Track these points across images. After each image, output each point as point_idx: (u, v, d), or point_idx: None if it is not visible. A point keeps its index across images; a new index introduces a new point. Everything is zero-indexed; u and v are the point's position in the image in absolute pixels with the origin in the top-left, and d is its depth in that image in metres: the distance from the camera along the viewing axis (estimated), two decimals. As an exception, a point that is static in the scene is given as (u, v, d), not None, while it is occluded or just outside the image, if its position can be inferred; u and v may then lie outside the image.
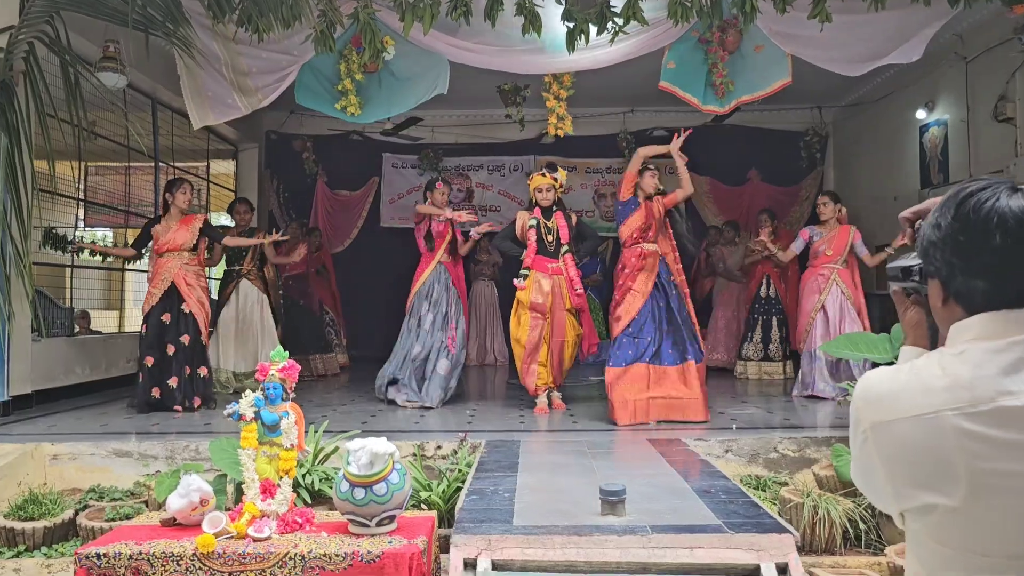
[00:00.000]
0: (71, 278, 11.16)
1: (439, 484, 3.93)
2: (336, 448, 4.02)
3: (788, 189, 10.93)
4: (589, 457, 3.96)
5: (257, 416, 3.16)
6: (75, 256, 9.55)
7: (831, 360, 6.25)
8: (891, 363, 1.17)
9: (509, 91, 8.21)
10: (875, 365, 4.81)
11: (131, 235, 8.12)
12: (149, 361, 5.85)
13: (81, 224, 11.45)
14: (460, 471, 3.99)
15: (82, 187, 11.47)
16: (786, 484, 4.24)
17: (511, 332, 5.90)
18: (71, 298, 11.36)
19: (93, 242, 6.03)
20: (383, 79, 6.28)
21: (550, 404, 5.78)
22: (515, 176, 11.35)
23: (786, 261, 6.72)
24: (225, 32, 5.82)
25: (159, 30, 5.41)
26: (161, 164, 9.38)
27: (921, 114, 8.65)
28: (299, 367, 3.33)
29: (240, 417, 3.15)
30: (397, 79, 6.28)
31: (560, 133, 6.11)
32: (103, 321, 9.68)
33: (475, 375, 9.05)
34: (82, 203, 10.26)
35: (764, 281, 8.26)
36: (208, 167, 10.76)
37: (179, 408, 5.76)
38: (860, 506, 3.76)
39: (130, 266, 9.45)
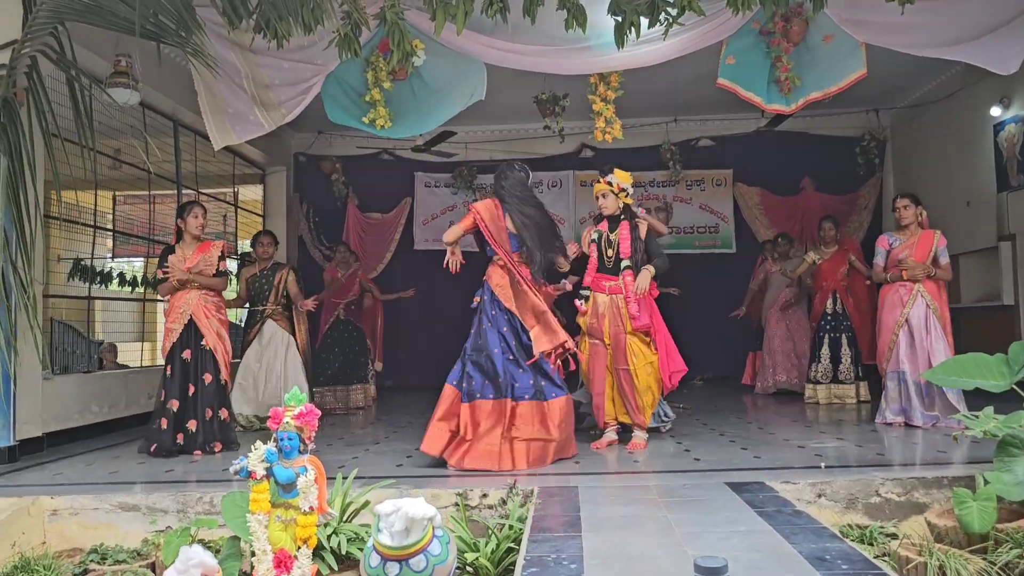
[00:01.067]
0: (94, 310, 10.96)
1: (487, 543, 3.36)
2: (367, 503, 3.47)
3: (845, 198, 10.25)
4: (663, 508, 3.36)
5: (269, 473, 2.63)
6: (104, 286, 9.23)
7: (922, 383, 5.57)
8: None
9: (547, 100, 7.71)
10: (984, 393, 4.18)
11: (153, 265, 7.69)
12: (174, 405, 5.35)
13: (109, 255, 11.20)
14: (511, 527, 3.42)
15: (110, 215, 11.29)
16: (895, 536, 3.59)
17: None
18: (101, 331, 11.11)
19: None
20: (415, 88, 5.79)
21: (623, 442, 5.20)
22: (554, 193, 10.82)
23: (879, 279, 6.02)
24: (242, 40, 5.39)
25: (171, 39, 4.99)
26: (188, 191, 9.04)
27: (996, 111, 7.95)
28: (318, 412, 2.80)
29: (249, 474, 2.63)
30: (430, 87, 5.79)
31: (608, 138, 5.57)
32: (133, 354, 9.31)
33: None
34: (110, 233, 10.05)
35: (831, 296, 7.60)
36: (236, 192, 10.40)
37: (199, 452, 5.26)
38: (995, 564, 3.12)
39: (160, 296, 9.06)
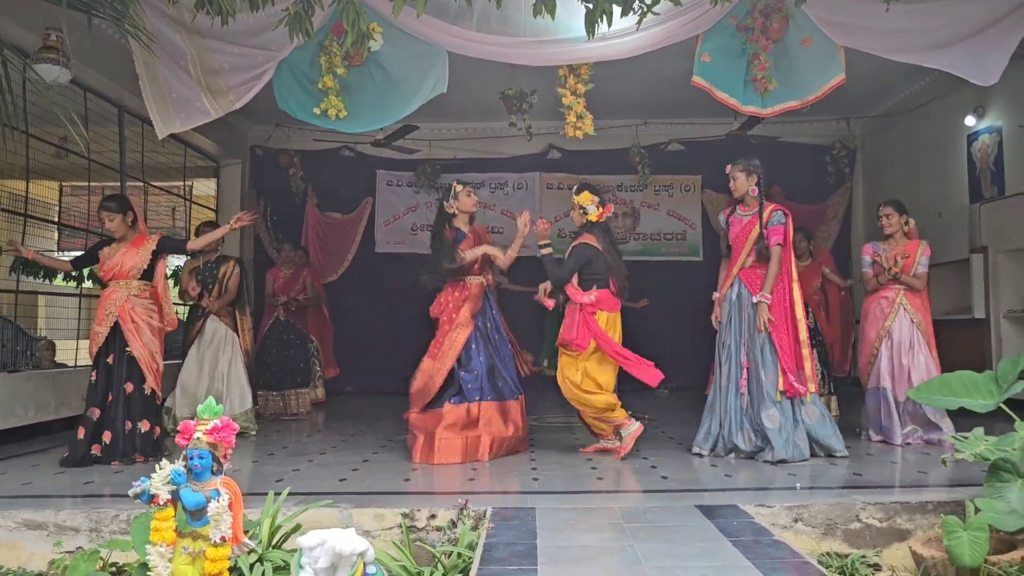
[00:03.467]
0: (37, 306, 10.42)
1: (432, 573, 3.01)
2: (298, 526, 3.10)
3: (815, 207, 10.09)
4: (629, 536, 3.04)
5: (176, 497, 2.26)
6: (48, 281, 8.70)
7: (903, 399, 5.35)
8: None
9: (513, 96, 7.37)
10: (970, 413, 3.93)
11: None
12: (95, 413, 4.92)
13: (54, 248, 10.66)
14: (460, 555, 3.07)
15: (55, 207, 10.75)
16: (878, 567, 3.32)
17: None
18: (44, 327, 10.55)
19: (19, 248, 5.07)
20: (374, 76, 5.43)
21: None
22: (519, 195, 10.52)
23: (872, 287, 5.77)
24: (183, 17, 4.98)
25: (104, 11, 4.57)
26: (136, 183, 8.56)
27: (970, 121, 7.82)
28: (236, 427, 2.43)
29: (151, 499, 2.24)
30: (389, 76, 5.43)
31: (579, 134, 5.25)
32: (72, 352, 8.77)
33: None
34: (55, 225, 9.53)
35: (804, 310, 7.36)
36: (190, 186, 9.93)
37: (116, 463, 4.83)
38: (988, 602, 2.86)
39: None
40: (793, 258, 5.13)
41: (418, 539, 3.50)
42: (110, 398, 4.94)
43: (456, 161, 10.30)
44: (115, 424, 4.94)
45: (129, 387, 4.95)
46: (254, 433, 6.23)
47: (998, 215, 7.47)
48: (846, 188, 10.21)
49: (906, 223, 5.66)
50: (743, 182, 5.06)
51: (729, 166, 5.16)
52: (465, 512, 3.48)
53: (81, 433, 4.86)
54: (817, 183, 10.13)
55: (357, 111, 5.33)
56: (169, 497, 2.30)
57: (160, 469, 2.30)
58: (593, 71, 5.30)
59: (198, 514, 2.30)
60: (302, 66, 5.32)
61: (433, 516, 3.56)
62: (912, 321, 5.51)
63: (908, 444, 5.30)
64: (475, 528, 3.34)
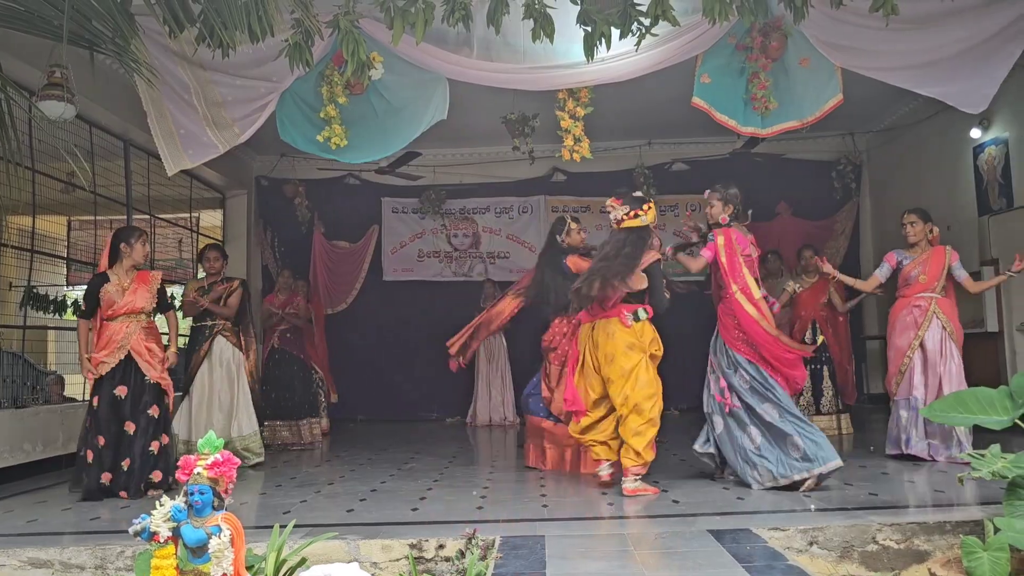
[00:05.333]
0: (47, 341, 10.42)
1: (441, 606, 2.96)
2: (304, 560, 3.05)
3: (822, 223, 10.04)
4: (639, 564, 2.98)
5: (176, 534, 2.23)
6: (59, 315, 8.73)
7: None
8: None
9: (516, 120, 7.39)
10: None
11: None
12: (100, 441, 4.92)
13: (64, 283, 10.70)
14: (468, 587, 3.02)
15: (63, 241, 10.79)
16: (897, 590, 3.25)
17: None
18: (54, 362, 10.55)
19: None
20: (375, 105, 5.47)
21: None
22: (524, 219, 10.51)
23: (870, 289, 5.76)
24: (185, 51, 5.02)
25: (107, 47, 4.60)
26: (142, 215, 8.60)
27: (975, 133, 7.77)
28: (237, 462, 2.40)
29: (151, 536, 2.21)
30: (390, 105, 5.48)
31: (576, 158, 5.25)
32: (88, 387, 8.78)
33: (484, 439, 8.07)
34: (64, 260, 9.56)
35: (811, 326, 7.31)
36: (197, 218, 9.96)
37: (124, 493, 4.82)
38: (1011, 626, 2.78)
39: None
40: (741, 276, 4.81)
41: (426, 570, 3.45)
42: (132, 428, 4.97)
43: (461, 186, 10.32)
44: (132, 449, 4.96)
45: (155, 410, 5.05)
46: (262, 459, 6.19)
47: (1008, 227, 7.41)
48: (853, 203, 10.16)
49: (930, 231, 5.61)
50: (718, 209, 5.00)
51: (708, 191, 5.09)
52: (473, 542, 3.42)
53: (90, 457, 4.88)
54: (823, 199, 10.09)
55: (358, 141, 5.35)
56: (170, 534, 2.26)
57: (160, 506, 2.27)
58: (593, 94, 5.31)
59: (199, 551, 2.26)
60: (305, 96, 5.35)
61: (441, 546, 3.51)
62: (944, 329, 5.44)
63: (929, 458, 5.21)
64: (483, 558, 3.28)
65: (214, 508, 2.33)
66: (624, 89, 5.77)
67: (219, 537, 2.26)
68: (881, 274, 5.75)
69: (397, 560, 3.49)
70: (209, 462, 2.33)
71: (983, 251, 7.68)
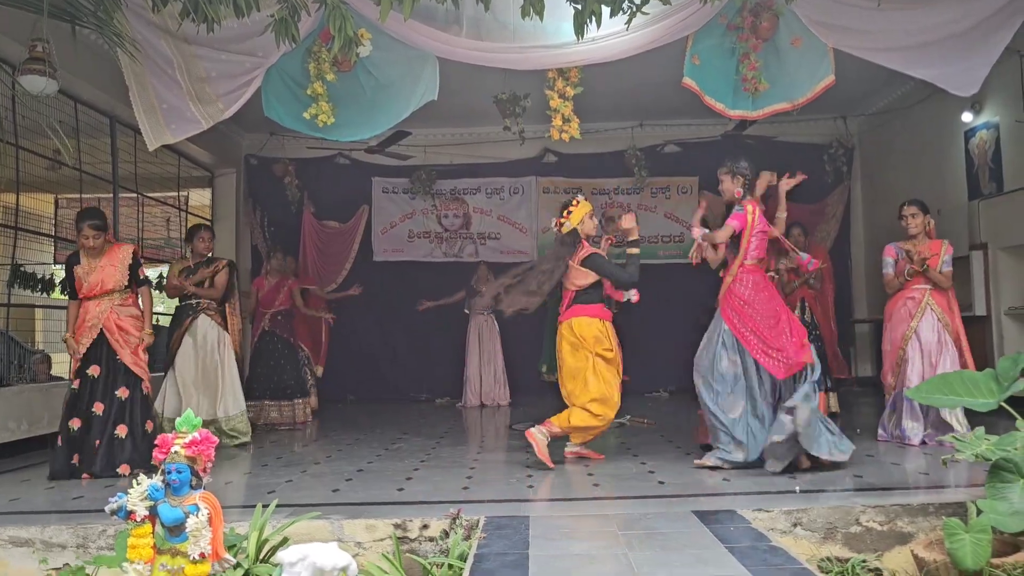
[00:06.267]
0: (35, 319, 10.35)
1: (423, 585, 2.95)
2: (286, 539, 3.04)
3: (813, 207, 10.00)
4: (623, 544, 2.98)
5: (153, 513, 2.20)
6: (46, 294, 8.67)
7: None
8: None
9: (507, 100, 7.32)
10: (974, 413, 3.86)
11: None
12: (76, 423, 4.88)
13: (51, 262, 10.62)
14: (450, 566, 3.01)
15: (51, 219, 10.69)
16: (879, 572, 3.26)
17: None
18: (42, 341, 10.48)
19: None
20: (363, 83, 5.39)
21: None
22: (515, 200, 10.47)
23: (893, 287, 5.68)
24: (168, 25, 4.94)
25: (88, 20, 4.53)
26: (129, 194, 8.52)
27: (967, 117, 7.76)
28: (215, 440, 2.37)
29: (128, 515, 2.19)
30: (378, 83, 5.40)
31: (565, 138, 5.21)
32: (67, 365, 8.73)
33: (475, 419, 8.07)
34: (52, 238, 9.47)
35: (800, 304, 7.29)
36: (186, 196, 9.88)
37: (87, 476, 4.80)
38: (992, 607, 2.79)
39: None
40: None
41: (410, 550, 3.44)
42: (100, 408, 4.89)
43: (451, 167, 10.27)
44: (103, 432, 4.90)
45: (125, 392, 4.94)
46: (248, 439, 6.16)
47: (997, 211, 7.42)
48: (844, 187, 10.15)
49: (928, 223, 5.60)
50: (729, 185, 4.98)
51: (719, 170, 5.07)
52: (457, 522, 3.42)
53: (60, 440, 4.84)
54: (815, 182, 9.94)
55: (346, 119, 5.28)
56: (146, 513, 2.24)
57: (137, 484, 2.25)
58: (583, 74, 5.26)
59: (176, 530, 2.24)
60: (292, 72, 5.27)
61: (426, 526, 3.50)
62: (939, 321, 5.44)
63: (924, 444, 5.23)
64: (467, 538, 3.28)
65: (192, 487, 2.31)
66: (616, 70, 5.72)
67: (197, 516, 2.24)
68: (889, 268, 5.68)
69: (381, 540, 3.48)
70: (187, 440, 2.31)
71: (972, 236, 7.68)
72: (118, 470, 4.83)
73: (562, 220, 5.06)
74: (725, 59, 5.14)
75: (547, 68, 5.23)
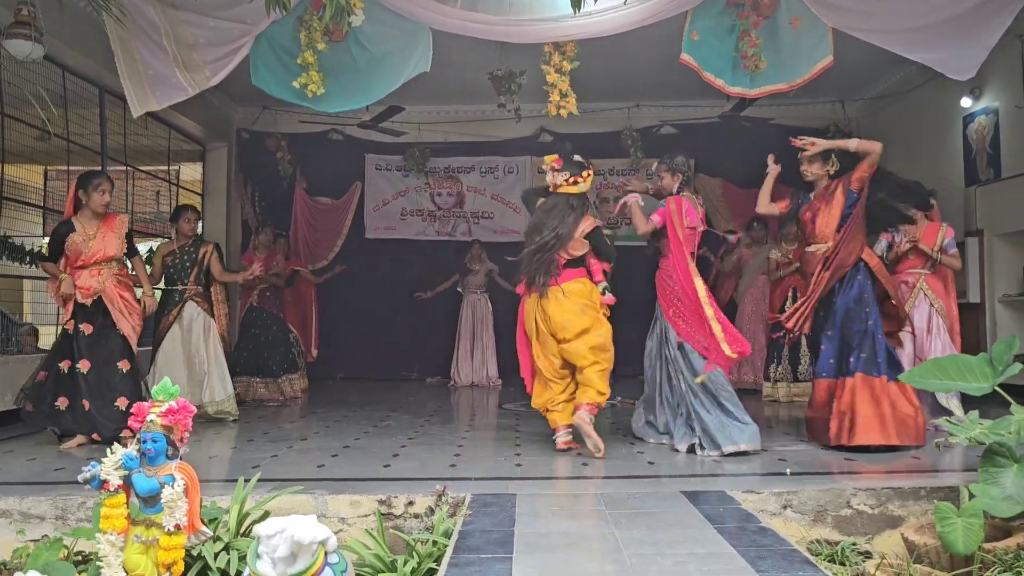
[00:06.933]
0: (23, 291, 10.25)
1: (406, 562, 2.90)
2: (267, 513, 2.98)
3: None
4: (610, 523, 2.93)
5: (127, 483, 2.14)
6: (34, 266, 8.56)
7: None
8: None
9: (502, 77, 7.22)
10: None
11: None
12: (66, 365, 4.82)
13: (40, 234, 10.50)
14: (435, 543, 2.96)
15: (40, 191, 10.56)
16: (869, 555, 3.22)
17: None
18: (30, 312, 10.39)
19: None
20: (354, 54, 5.30)
21: None
22: (510, 179, 10.37)
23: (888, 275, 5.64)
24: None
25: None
26: (119, 168, 8.40)
27: (966, 102, 7.68)
28: (193, 409, 2.31)
29: (101, 484, 2.13)
30: (370, 54, 5.30)
31: (563, 114, 5.13)
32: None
33: (465, 399, 8.02)
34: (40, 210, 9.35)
35: (791, 293, 7.26)
36: (177, 170, 9.76)
37: (94, 437, 4.76)
38: (982, 591, 2.75)
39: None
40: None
41: (395, 526, 3.39)
42: (83, 365, 4.83)
43: (445, 144, 10.15)
44: (94, 396, 4.83)
45: (127, 365, 4.93)
46: (234, 420, 6.10)
47: (994, 197, 7.36)
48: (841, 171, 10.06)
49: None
50: (668, 180, 4.95)
51: (656, 163, 5.04)
52: (443, 498, 3.37)
53: (42, 377, 4.79)
54: (812, 167, 9.98)
55: (336, 90, 5.20)
56: (120, 483, 2.18)
57: (111, 453, 2.18)
58: (579, 48, 5.16)
59: (151, 501, 2.18)
60: (282, 40, 5.18)
61: (411, 503, 3.45)
62: (932, 306, 5.39)
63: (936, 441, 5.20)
64: (453, 515, 3.22)
65: (168, 457, 2.24)
66: (612, 49, 5.62)
67: (172, 487, 2.18)
68: (880, 250, 5.63)
69: (366, 516, 3.43)
70: (163, 409, 2.24)
71: (968, 222, 7.63)
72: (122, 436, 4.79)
73: (580, 178, 4.77)
74: (724, 35, 5.06)
75: (543, 41, 5.14)
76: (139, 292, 5.36)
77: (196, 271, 6.04)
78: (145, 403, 2.29)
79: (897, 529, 3.40)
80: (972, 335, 7.39)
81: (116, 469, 2.17)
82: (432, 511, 3.37)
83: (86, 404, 4.79)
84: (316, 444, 4.98)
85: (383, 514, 3.40)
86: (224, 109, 9.83)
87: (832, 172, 4.92)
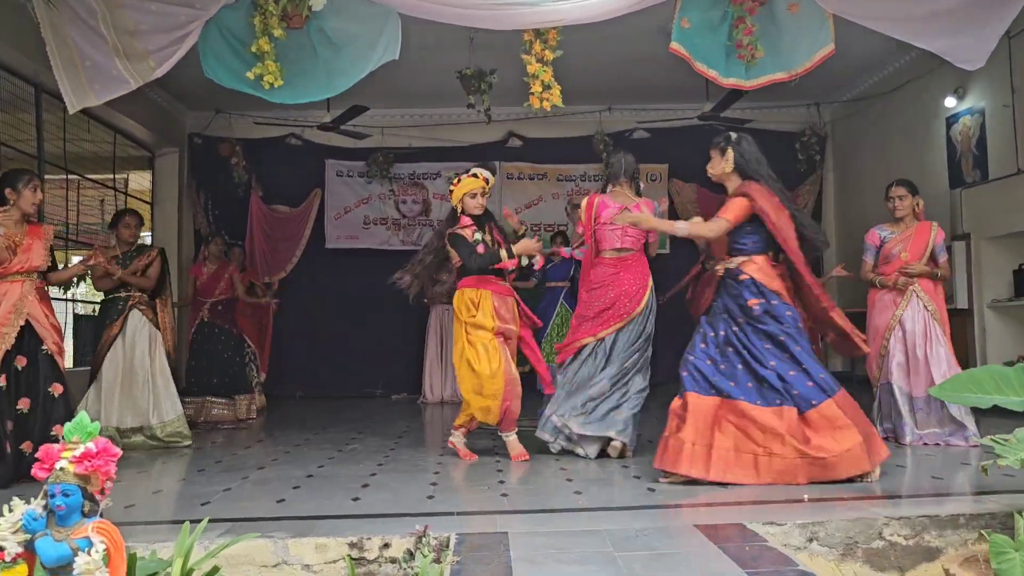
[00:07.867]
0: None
1: (386, 623, 2.44)
2: (216, 568, 2.50)
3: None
4: (621, 567, 2.51)
5: (30, 550, 1.66)
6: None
7: (920, 395, 4.93)
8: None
9: (472, 76, 6.82)
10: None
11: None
12: (11, 426, 4.29)
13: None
14: (419, 598, 2.51)
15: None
16: (912, 594, 2.84)
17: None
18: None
19: None
20: (315, 43, 4.84)
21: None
22: (478, 186, 9.93)
23: (866, 279, 5.36)
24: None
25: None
26: (57, 177, 7.81)
27: (950, 102, 7.47)
28: (117, 452, 1.83)
29: (-5, 553, 1.64)
30: (333, 43, 4.85)
31: (547, 105, 4.72)
32: None
33: (436, 416, 7.55)
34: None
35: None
36: (117, 178, 9.14)
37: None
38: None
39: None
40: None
41: (368, 572, 2.93)
42: (27, 404, 4.35)
43: (410, 150, 9.72)
44: (33, 433, 4.32)
45: (58, 388, 4.44)
46: (189, 441, 5.57)
47: (981, 200, 7.14)
48: (816, 176, 9.86)
49: (917, 204, 5.27)
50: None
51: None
52: (424, 540, 2.92)
53: (8, 448, 4.22)
54: (787, 171, 9.67)
55: (295, 80, 4.74)
56: (21, 550, 1.70)
57: (9, 511, 1.70)
58: (562, 36, 4.77)
59: (62, 571, 1.70)
60: (234, 27, 4.71)
61: (387, 545, 2.98)
62: (927, 309, 5.10)
63: (923, 444, 4.89)
64: (438, 560, 2.77)
65: (83, 514, 1.76)
66: (584, 50, 5.25)
67: (89, 553, 1.70)
68: (869, 256, 5.38)
69: (334, 562, 2.96)
70: (77, 453, 1.76)
71: (954, 226, 7.39)
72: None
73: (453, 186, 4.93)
74: (717, 24, 4.71)
75: (520, 28, 4.73)
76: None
77: (138, 275, 5.53)
78: (55, 445, 1.81)
79: (935, 562, 3.04)
80: (960, 342, 7.14)
81: (14, 532, 1.68)
82: (412, 554, 2.91)
83: (28, 446, 4.27)
84: (275, 474, 4.47)
85: (354, 559, 2.93)
86: (174, 113, 9.29)
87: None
